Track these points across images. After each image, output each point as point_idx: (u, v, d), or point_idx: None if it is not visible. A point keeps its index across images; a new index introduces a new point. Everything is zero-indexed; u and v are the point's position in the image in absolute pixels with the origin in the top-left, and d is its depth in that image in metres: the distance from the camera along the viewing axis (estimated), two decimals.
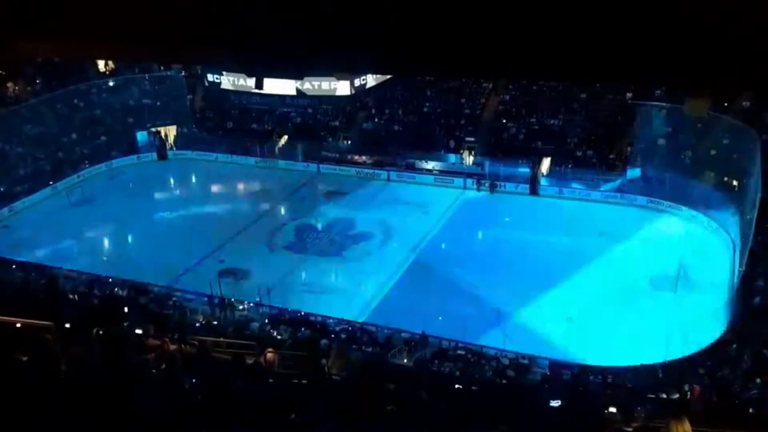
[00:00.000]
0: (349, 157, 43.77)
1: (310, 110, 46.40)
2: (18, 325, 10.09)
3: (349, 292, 29.67)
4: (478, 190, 39.88)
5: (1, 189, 39.14)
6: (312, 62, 4.00)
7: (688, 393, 16.49)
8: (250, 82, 33.52)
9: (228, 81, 38.41)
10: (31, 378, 6.12)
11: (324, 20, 3.69)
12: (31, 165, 41.34)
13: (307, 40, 3.81)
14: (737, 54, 3.18)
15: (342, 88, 41.71)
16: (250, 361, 11.21)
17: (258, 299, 27.18)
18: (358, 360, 12.32)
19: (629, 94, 39.60)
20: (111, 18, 4.13)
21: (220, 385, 6.92)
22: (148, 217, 37.71)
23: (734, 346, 22.47)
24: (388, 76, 41.90)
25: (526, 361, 22.95)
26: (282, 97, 44.25)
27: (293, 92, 41.42)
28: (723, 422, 9.91)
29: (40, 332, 9.46)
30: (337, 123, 45.94)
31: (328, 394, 9.05)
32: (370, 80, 42.80)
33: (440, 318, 26.22)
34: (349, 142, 44.35)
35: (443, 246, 34.11)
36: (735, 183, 33.29)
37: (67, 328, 12.65)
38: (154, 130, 46.61)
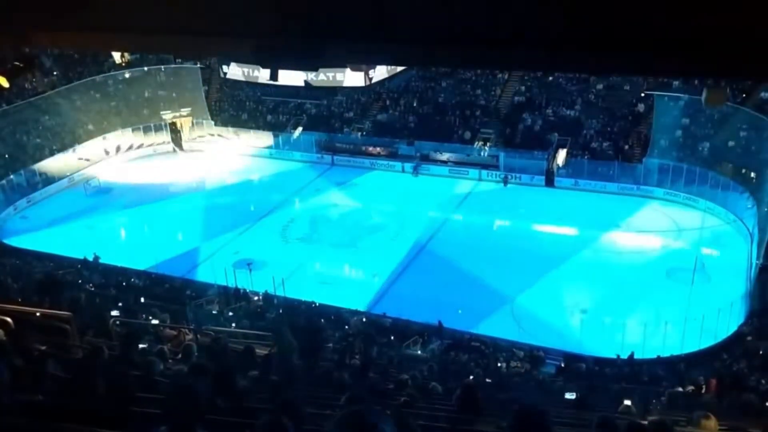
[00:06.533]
0: (363, 148, 43.79)
1: (324, 101, 46.46)
2: (37, 314, 10.19)
3: (362, 282, 29.74)
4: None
5: (20, 179, 39.51)
6: (326, 54, 4.00)
7: (704, 386, 16.40)
8: (261, 72, 33.46)
9: (241, 72, 38.33)
10: (48, 367, 6.19)
11: (337, 11, 3.68)
12: (49, 156, 41.66)
13: (323, 30, 3.81)
14: (757, 44, 3.14)
15: (356, 79, 41.57)
16: (263, 351, 11.28)
17: (272, 290, 27.30)
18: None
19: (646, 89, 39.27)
20: (129, 10, 4.14)
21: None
22: (164, 208, 37.95)
23: (751, 338, 22.34)
24: (403, 68, 41.79)
25: (540, 354, 22.91)
26: (296, 89, 44.28)
27: (302, 84, 41.37)
28: (739, 415, 9.86)
29: (59, 322, 9.58)
30: (351, 114, 45.95)
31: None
32: (385, 71, 42.62)
33: (459, 311, 26.22)
34: (363, 133, 44.33)
35: (457, 237, 34.04)
36: (753, 175, 32.99)
37: (84, 318, 12.76)
38: (170, 121, 46.84)
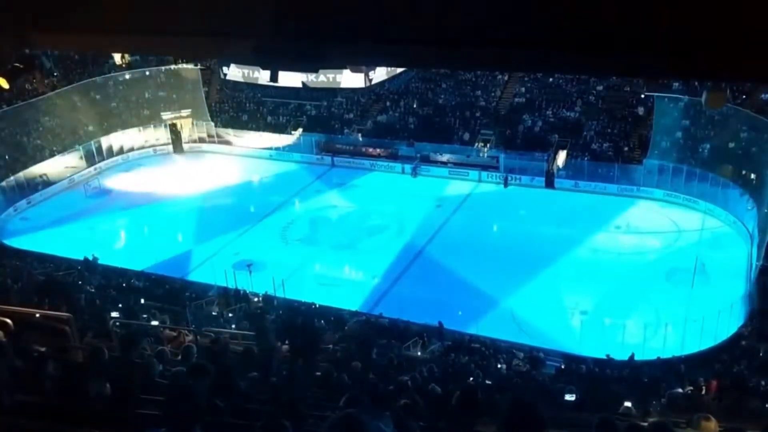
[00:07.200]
0: (363, 149, 43.81)
1: (324, 103, 46.51)
2: (36, 316, 10.19)
3: (362, 284, 29.73)
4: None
5: (20, 180, 39.49)
6: (326, 55, 4.00)
7: (704, 387, 16.38)
8: (261, 74, 33.43)
9: (241, 73, 38.53)
10: (48, 369, 6.18)
11: (337, 12, 3.68)
12: (49, 157, 41.67)
13: (323, 31, 3.81)
14: (757, 44, 3.14)
15: (354, 80, 41.57)
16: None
17: (273, 291, 27.30)
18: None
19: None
20: (129, 11, 4.14)
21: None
22: (164, 209, 37.94)
23: (750, 340, 22.32)
24: (403, 69, 41.80)
25: (540, 355, 22.89)
26: (296, 90, 44.32)
27: (299, 85, 41.39)
28: (739, 417, 9.86)
29: (58, 324, 9.57)
30: (351, 115, 45.99)
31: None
32: (384, 72, 42.62)
33: (459, 312, 26.21)
34: (361, 135, 44.34)
35: (457, 239, 34.02)
36: (753, 176, 33.00)
37: (84, 320, 12.75)
38: (170, 122, 46.88)
